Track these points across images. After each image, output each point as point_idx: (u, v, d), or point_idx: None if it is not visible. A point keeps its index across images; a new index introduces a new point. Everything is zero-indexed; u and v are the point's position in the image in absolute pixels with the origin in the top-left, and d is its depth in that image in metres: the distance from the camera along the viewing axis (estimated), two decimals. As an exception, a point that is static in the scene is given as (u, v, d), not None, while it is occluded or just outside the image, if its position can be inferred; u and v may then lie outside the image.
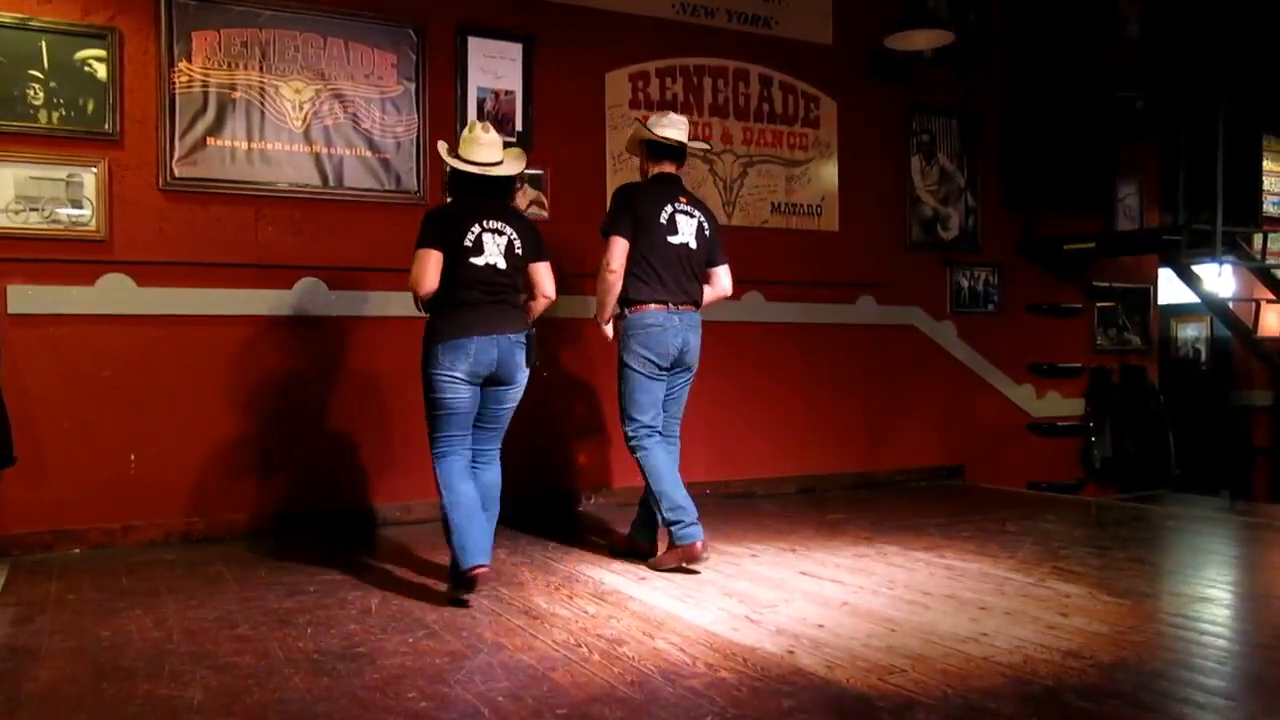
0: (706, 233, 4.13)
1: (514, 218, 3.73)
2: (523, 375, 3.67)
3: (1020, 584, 3.72)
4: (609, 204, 4.14)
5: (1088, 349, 7.35)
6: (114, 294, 4.56)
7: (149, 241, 4.62)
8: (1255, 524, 5.58)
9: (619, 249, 3.96)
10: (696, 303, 4.13)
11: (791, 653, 2.90)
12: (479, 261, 3.56)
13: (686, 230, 4.05)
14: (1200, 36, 7.26)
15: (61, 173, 4.46)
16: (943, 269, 6.77)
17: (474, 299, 3.55)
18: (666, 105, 5.80)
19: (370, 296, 5.05)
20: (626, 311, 4.03)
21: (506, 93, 5.38)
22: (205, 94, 4.72)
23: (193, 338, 4.71)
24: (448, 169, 3.91)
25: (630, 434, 4.04)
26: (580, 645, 2.98)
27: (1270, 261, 7.81)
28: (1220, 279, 7.54)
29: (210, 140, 4.73)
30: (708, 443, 5.86)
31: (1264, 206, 7.98)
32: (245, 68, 4.79)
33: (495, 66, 5.35)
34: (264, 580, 3.85)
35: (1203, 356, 8.98)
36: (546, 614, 3.34)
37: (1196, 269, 6.89)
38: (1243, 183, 6.89)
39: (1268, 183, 8.42)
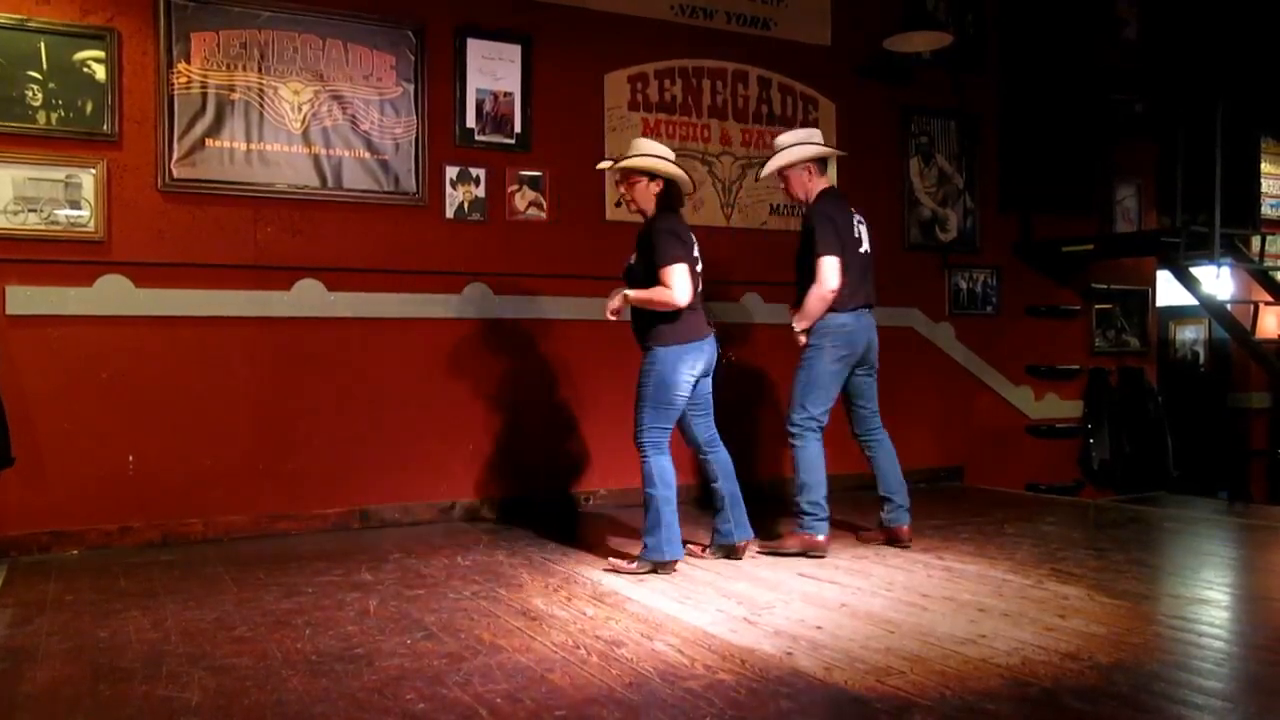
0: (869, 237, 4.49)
1: None
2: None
3: (1018, 586, 3.72)
4: (817, 223, 4.25)
5: (1086, 351, 7.35)
6: (112, 295, 4.56)
7: (147, 243, 4.62)
8: (1253, 526, 5.59)
9: (837, 270, 4.21)
10: (874, 304, 4.49)
11: (790, 654, 2.90)
12: (699, 269, 4.03)
13: (865, 238, 4.43)
14: (1198, 38, 7.26)
15: (60, 174, 4.46)
16: (941, 270, 6.78)
17: (698, 303, 4.01)
18: (665, 107, 5.81)
19: (369, 298, 5.05)
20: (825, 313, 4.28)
21: (505, 94, 5.38)
22: (204, 95, 4.72)
23: (191, 339, 4.71)
24: (657, 182, 4.03)
25: (799, 423, 4.26)
26: (578, 647, 2.98)
27: (1268, 264, 7.83)
28: (1218, 281, 7.55)
29: (209, 141, 4.73)
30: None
31: (1262, 208, 7.99)
32: (244, 69, 4.79)
33: (494, 68, 5.35)
34: (262, 582, 3.84)
35: (1201, 359, 8.98)
36: (545, 615, 3.34)
37: (1195, 271, 6.89)
38: (1241, 185, 6.90)
39: (1266, 185, 8.43)
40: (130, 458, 4.59)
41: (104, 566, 4.14)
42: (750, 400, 5.96)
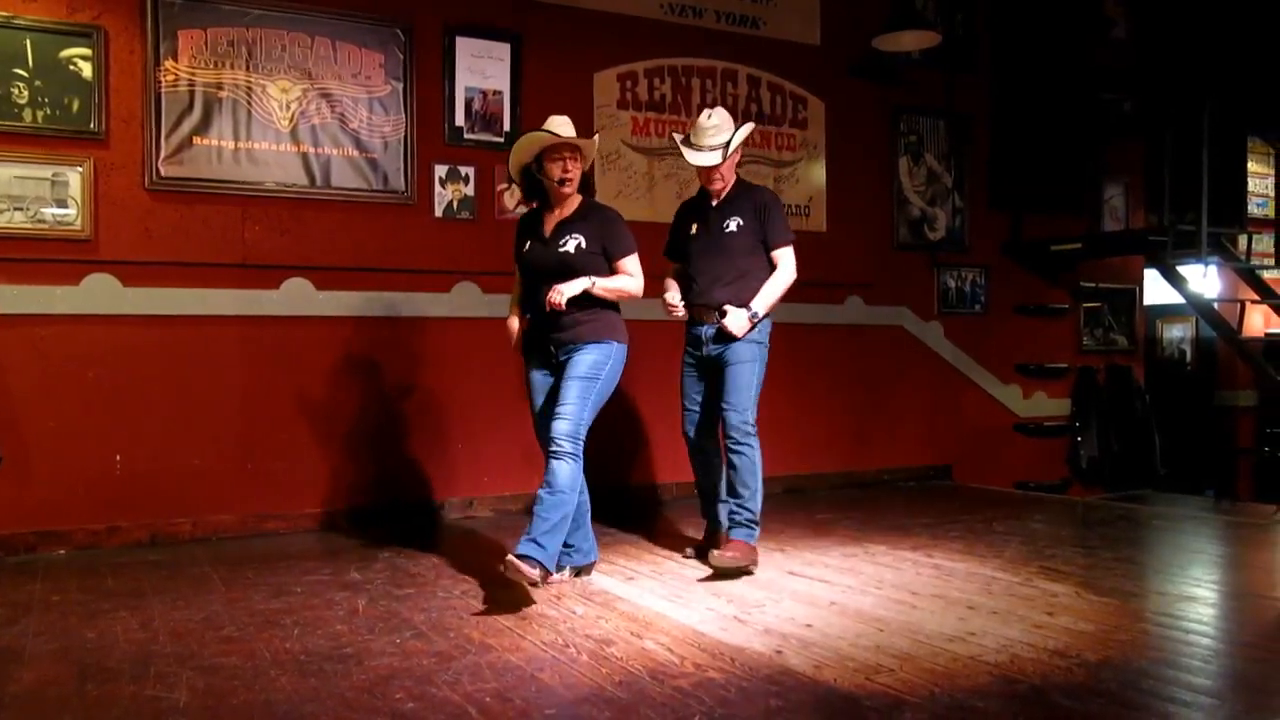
0: None
1: None
2: None
3: (1007, 583, 3.74)
4: (779, 212, 4.11)
5: (1074, 349, 7.39)
6: (99, 294, 4.54)
7: (134, 241, 4.59)
8: (1240, 523, 5.62)
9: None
10: None
11: (779, 652, 2.90)
12: None
13: None
14: (1187, 38, 7.30)
15: (46, 172, 4.43)
16: (930, 269, 6.80)
17: None
18: (655, 105, 5.81)
19: (358, 296, 5.04)
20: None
21: (495, 93, 5.37)
22: (191, 93, 4.69)
23: (178, 338, 4.69)
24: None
25: (753, 426, 4.01)
26: (568, 646, 2.98)
27: (1255, 262, 7.87)
28: (1205, 279, 7.57)
29: (196, 140, 4.71)
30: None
31: (1249, 207, 8.03)
32: (232, 67, 4.77)
33: (483, 66, 5.34)
34: (250, 581, 3.83)
35: (1188, 357, 9.03)
36: (534, 614, 3.33)
37: (1182, 270, 6.92)
38: (1228, 184, 6.92)
39: (1252, 184, 8.47)
40: (118, 457, 4.57)
41: (91, 566, 4.12)
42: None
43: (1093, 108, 7.13)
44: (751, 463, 3.97)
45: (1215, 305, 7.19)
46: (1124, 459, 7.34)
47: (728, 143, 3.97)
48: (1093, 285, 7.36)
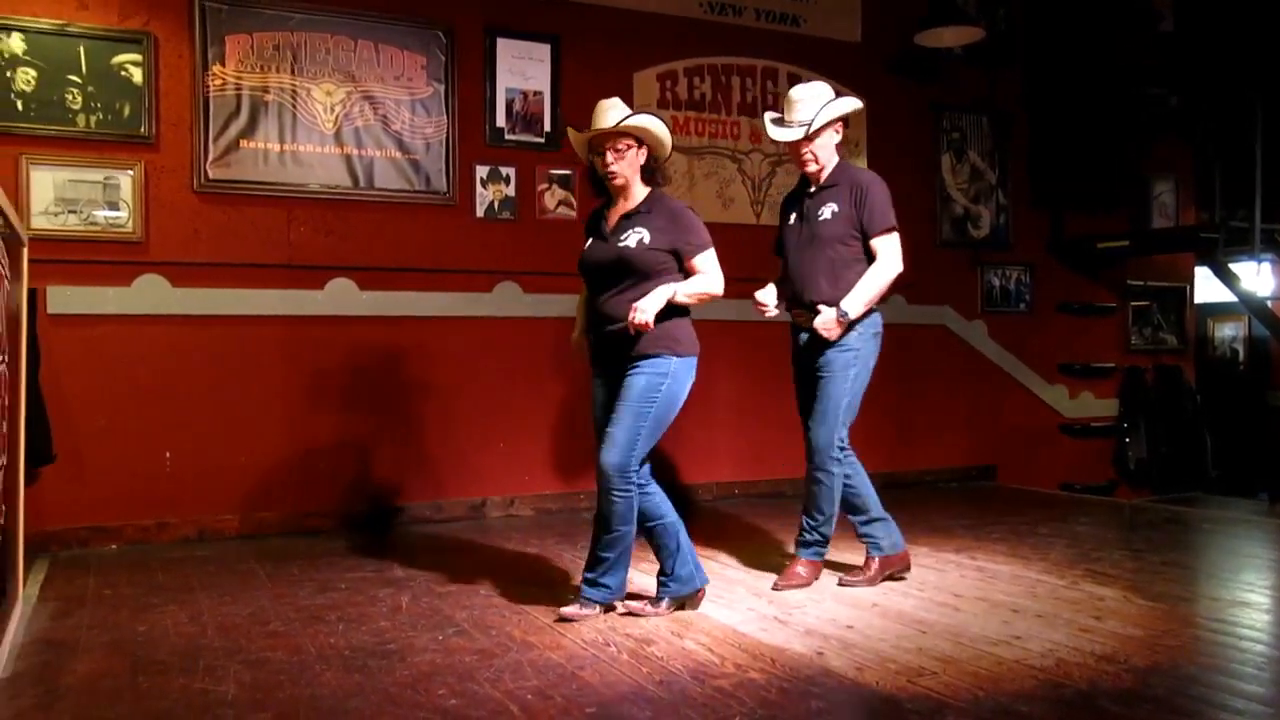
0: None
1: None
2: None
3: (1052, 586, 3.68)
4: (878, 195, 3.62)
5: (1122, 349, 7.26)
6: (149, 294, 4.62)
7: (183, 243, 4.68)
8: (1294, 527, 5.49)
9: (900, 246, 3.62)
10: None
11: (820, 654, 2.89)
12: None
13: None
14: (1235, 31, 7.14)
15: (99, 175, 4.53)
16: (973, 268, 6.72)
17: None
18: (695, 104, 5.81)
19: (401, 297, 5.09)
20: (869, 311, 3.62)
21: (535, 93, 5.40)
22: (238, 97, 4.77)
23: (226, 338, 4.77)
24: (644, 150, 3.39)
25: (842, 446, 3.62)
26: (609, 644, 2.99)
27: (1309, 260, 7.67)
28: (1258, 277, 7.41)
29: (243, 143, 4.78)
30: (735, 442, 5.86)
31: (1303, 204, 7.84)
32: (277, 70, 4.84)
33: (524, 67, 5.37)
34: (296, 577, 3.89)
35: (1240, 356, 8.84)
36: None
37: (1234, 267, 6.78)
38: (1280, 179, 6.78)
39: (1307, 180, 8.26)
40: (167, 455, 4.65)
41: (141, 561, 4.21)
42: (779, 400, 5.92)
43: (1138, 103, 7.01)
44: (830, 490, 3.63)
45: (1269, 303, 7.03)
46: (1173, 460, 7.20)
47: (813, 119, 3.54)
48: (1141, 284, 7.23)
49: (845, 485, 3.70)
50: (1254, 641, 3.07)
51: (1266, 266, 7.35)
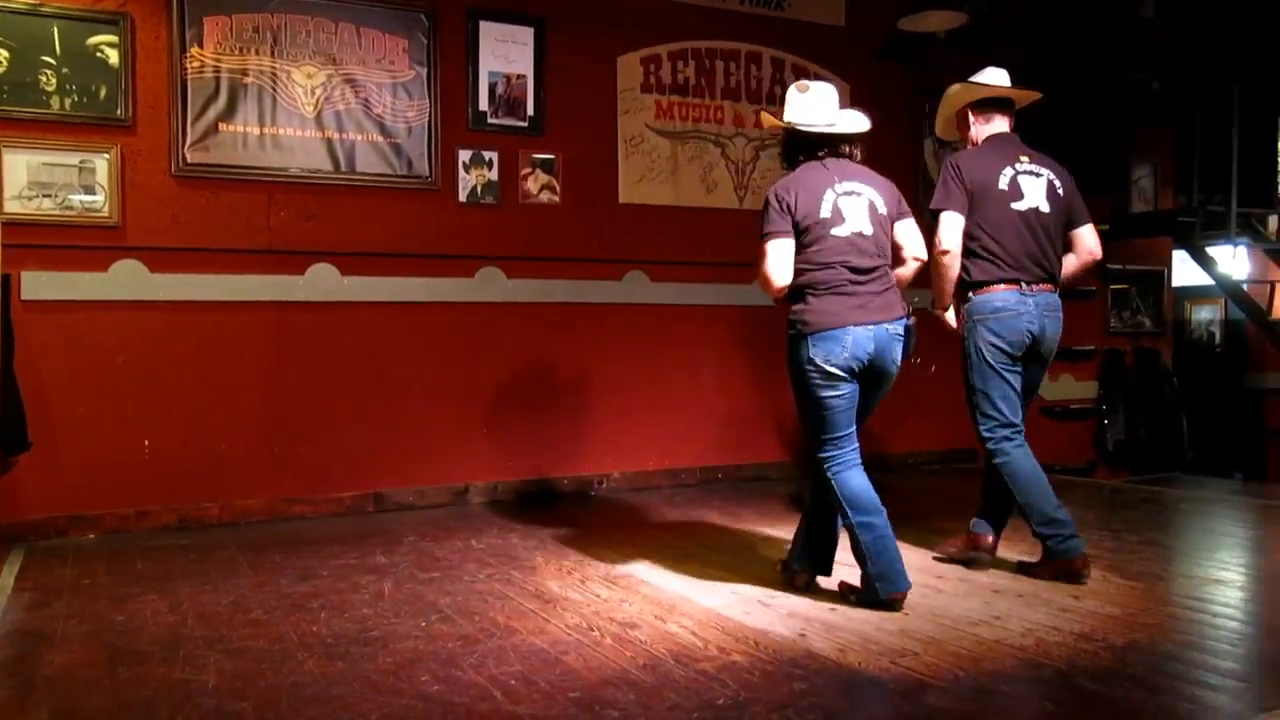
0: (1060, 191, 3.66)
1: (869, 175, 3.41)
2: (897, 369, 3.31)
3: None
4: (940, 175, 3.64)
5: (1101, 332, 7.31)
6: (126, 280, 4.58)
7: (161, 227, 4.63)
8: (1268, 506, 5.54)
9: (951, 226, 3.52)
10: (1054, 278, 3.65)
11: (803, 636, 2.90)
12: (841, 233, 3.19)
13: (1034, 193, 3.58)
14: (1216, 16, 7.17)
15: (74, 159, 4.47)
16: (955, 252, 6.72)
17: (862, 281, 3.19)
18: (678, 88, 5.78)
19: (383, 282, 5.06)
20: (970, 294, 3.60)
21: (518, 77, 5.36)
22: (217, 79, 4.72)
23: (205, 323, 4.73)
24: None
25: (986, 434, 3.60)
26: (592, 629, 3.00)
27: (1285, 243, 7.74)
28: (1235, 261, 7.47)
29: (222, 126, 4.73)
30: (720, 425, 5.86)
31: (1279, 188, 7.90)
32: (257, 53, 4.79)
33: (507, 50, 5.33)
34: (277, 565, 3.87)
35: (1217, 339, 8.91)
36: (559, 598, 3.35)
37: (1211, 251, 6.83)
38: (1258, 164, 6.82)
39: (1284, 164, 8.32)
40: (146, 442, 4.62)
41: (120, 550, 4.17)
42: (763, 384, 5.94)
43: (1121, 87, 7.03)
44: (1003, 481, 3.62)
45: (1245, 287, 7.10)
46: (1151, 442, 7.27)
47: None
48: (1120, 267, 7.27)
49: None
50: (1228, 619, 3.11)
51: (1242, 250, 7.40)
